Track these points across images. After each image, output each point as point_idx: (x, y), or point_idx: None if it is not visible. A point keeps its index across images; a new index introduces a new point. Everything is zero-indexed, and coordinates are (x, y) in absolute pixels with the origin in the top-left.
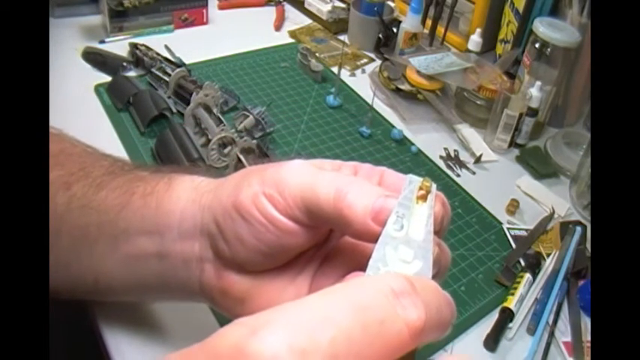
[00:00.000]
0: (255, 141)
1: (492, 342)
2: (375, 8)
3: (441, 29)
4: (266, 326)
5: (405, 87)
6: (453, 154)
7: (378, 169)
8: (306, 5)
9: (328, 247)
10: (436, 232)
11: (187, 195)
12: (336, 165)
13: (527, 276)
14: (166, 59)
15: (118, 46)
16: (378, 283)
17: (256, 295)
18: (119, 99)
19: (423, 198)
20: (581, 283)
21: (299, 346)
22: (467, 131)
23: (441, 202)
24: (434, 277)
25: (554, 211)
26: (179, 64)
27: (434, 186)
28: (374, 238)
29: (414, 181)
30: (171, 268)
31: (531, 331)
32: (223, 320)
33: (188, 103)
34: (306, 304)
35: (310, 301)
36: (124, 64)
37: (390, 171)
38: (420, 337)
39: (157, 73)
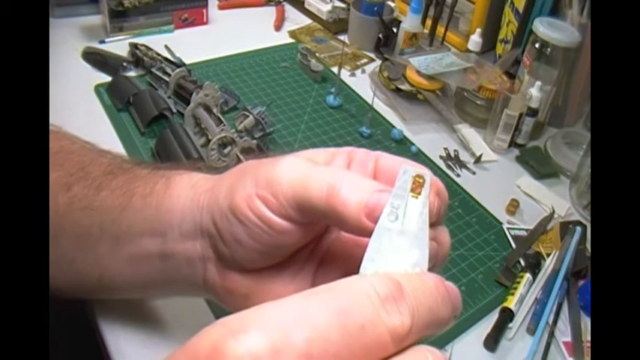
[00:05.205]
0: (255, 141)
1: (492, 342)
2: (375, 8)
3: (441, 29)
4: (243, 326)
5: (405, 87)
6: (453, 154)
7: (373, 153)
8: (306, 5)
9: (329, 239)
10: (432, 222)
11: (186, 193)
12: (329, 153)
13: (527, 276)
14: (166, 59)
15: (118, 46)
16: (363, 286)
17: (260, 292)
18: (119, 99)
19: (418, 188)
20: (581, 283)
21: (273, 345)
22: (467, 131)
23: (436, 190)
24: (430, 268)
25: (554, 211)
26: (179, 64)
27: (428, 175)
28: (369, 234)
29: (408, 171)
30: (175, 266)
31: (531, 331)
32: None
33: (188, 103)
34: (285, 304)
35: (290, 300)
36: (124, 64)
37: (385, 155)
38: (407, 341)
39: (157, 73)
